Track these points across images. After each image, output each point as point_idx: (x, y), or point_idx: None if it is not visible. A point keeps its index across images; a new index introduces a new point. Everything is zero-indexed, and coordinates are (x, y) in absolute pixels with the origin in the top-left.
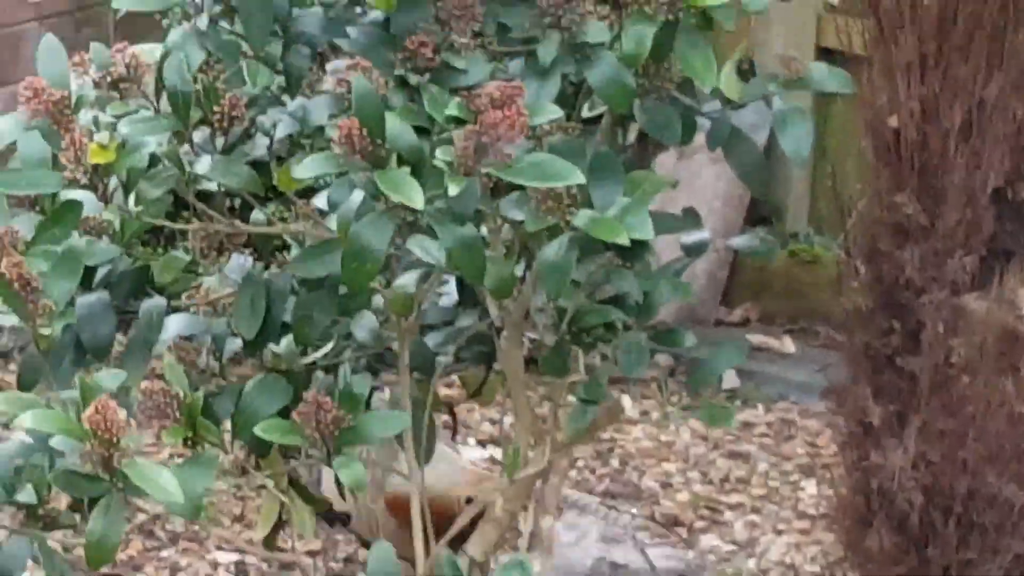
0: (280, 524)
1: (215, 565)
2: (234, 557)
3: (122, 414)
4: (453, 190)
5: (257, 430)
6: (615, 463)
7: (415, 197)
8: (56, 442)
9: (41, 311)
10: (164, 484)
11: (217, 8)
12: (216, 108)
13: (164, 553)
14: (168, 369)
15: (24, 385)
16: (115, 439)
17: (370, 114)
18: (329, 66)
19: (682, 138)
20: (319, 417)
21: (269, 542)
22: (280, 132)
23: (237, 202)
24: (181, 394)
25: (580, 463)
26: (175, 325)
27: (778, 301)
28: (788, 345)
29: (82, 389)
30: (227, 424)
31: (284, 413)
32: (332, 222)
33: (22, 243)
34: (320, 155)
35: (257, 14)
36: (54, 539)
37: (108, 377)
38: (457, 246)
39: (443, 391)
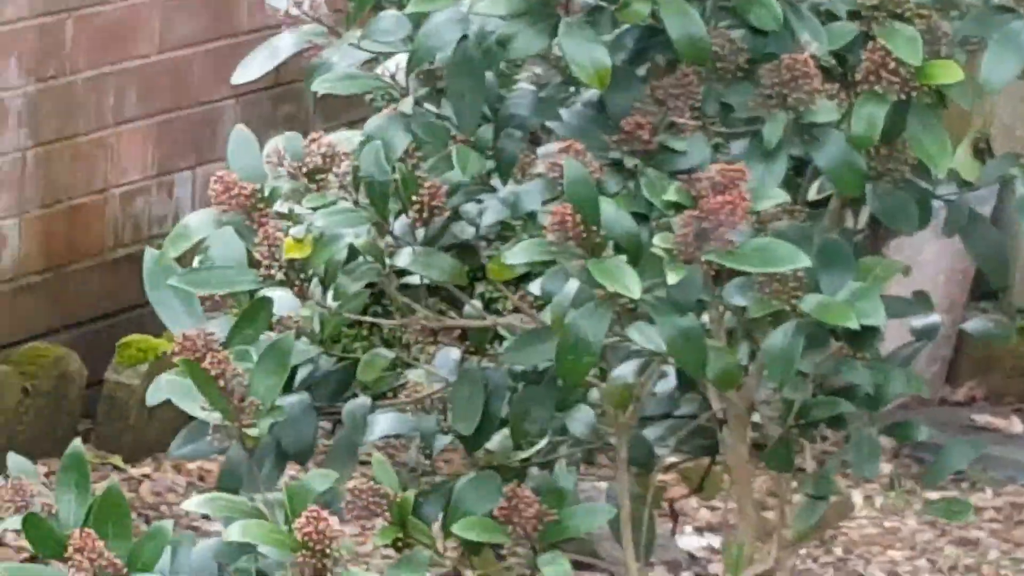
0: None
1: None
2: None
3: (335, 523)
4: (672, 279)
5: (456, 529)
6: (839, 551)
7: (631, 286)
8: (264, 550)
9: (246, 409)
10: None
11: (423, 90)
12: (415, 197)
13: None
14: (377, 468)
15: (225, 486)
16: (328, 550)
17: (584, 199)
18: (541, 150)
19: (918, 224)
20: (520, 513)
21: None
22: (489, 219)
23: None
24: (391, 494)
25: (802, 552)
26: (382, 424)
27: (1005, 379)
28: (1016, 425)
29: (290, 495)
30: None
31: None
32: (548, 314)
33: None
34: (532, 242)
35: (468, 96)
36: None
37: (317, 479)
38: (677, 337)
39: (662, 478)
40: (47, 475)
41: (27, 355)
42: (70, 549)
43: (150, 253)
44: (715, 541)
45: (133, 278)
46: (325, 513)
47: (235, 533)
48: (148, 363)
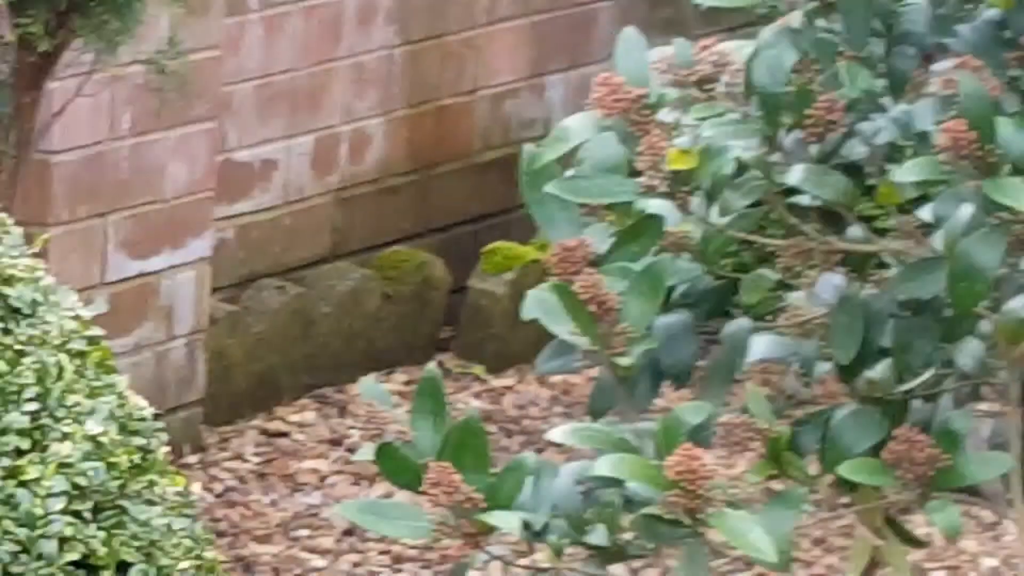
0: (874, 565)
1: None
2: None
3: (709, 460)
4: None
5: (841, 470)
6: None
7: None
8: (633, 486)
9: (617, 335)
10: (755, 541)
11: (812, 4)
12: (810, 112)
13: None
14: (751, 399)
15: (594, 412)
16: (701, 491)
17: (980, 116)
18: (935, 67)
19: None
20: (911, 456)
21: None
22: (883, 138)
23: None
24: (765, 427)
25: None
26: (760, 347)
27: None
28: None
29: (664, 429)
30: None
31: (877, 446)
32: (937, 240)
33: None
34: (924, 160)
35: (858, 11)
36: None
37: (690, 411)
38: None
39: None
40: (406, 384)
41: (389, 260)
42: (426, 483)
43: (528, 151)
44: None
45: (500, 182)
46: (699, 452)
47: (604, 468)
48: (514, 271)
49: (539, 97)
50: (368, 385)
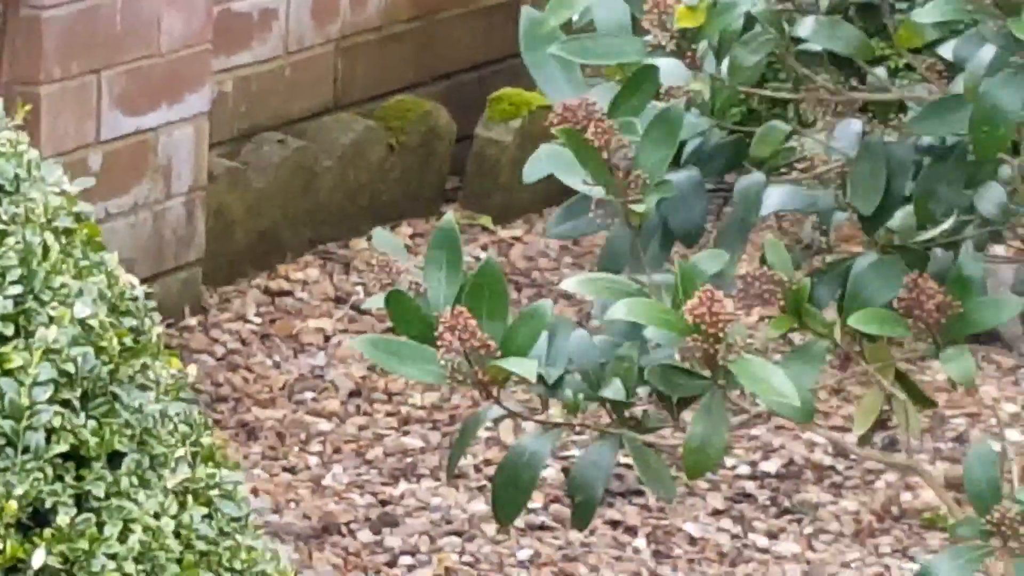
0: (880, 422)
1: (811, 446)
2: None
3: (729, 305)
4: None
5: (853, 320)
6: None
7: None
8: (650, 333)
9: (632, 184)
10: (778, 386)
11: None
12: None
13: (755, 432)
14: (770, 249)
15: (606, 267)
16: (721, 334)
17: None
18: None
19: None
20: (922, 304)
21: (865, 440)
22: None
23: None
24: (785, 280)
25: None
26: (775, 198)
27: None
28: None
29: (681, 275)
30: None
31: None
32: (959, 84)
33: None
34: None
35: None
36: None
37: (707, 259)
38: None
39: None
40: (412, 237)
41: (393, 109)
42: (440, 327)
43: (527, 14)
44: None
45: (506, 27)
46: (719, 294)
47: (620, 312)
48: (520, 119)
49: None
50: (381, 234)
